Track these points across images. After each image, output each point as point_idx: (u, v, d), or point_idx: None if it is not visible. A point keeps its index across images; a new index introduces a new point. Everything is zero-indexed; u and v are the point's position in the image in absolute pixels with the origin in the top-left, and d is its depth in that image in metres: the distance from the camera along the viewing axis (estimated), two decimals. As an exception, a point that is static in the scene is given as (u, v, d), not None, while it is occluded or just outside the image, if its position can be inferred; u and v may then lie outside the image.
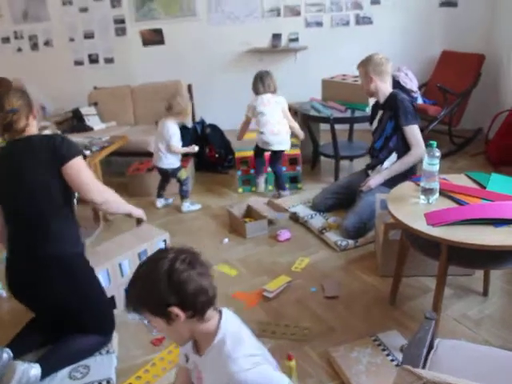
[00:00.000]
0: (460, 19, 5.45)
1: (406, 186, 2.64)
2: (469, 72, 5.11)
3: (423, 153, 2.71)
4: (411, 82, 5.02)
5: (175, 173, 4.17)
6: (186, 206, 4.20)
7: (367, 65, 3.41)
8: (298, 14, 5.80)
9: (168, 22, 6.11)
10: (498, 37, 5.23)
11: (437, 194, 2.37)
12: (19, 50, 6.75)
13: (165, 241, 3.13)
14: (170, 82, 5.43)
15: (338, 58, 5.50)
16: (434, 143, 2.31)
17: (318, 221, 3.70)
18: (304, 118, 4.59)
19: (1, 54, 6.74)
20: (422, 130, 5.27)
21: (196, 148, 4.23)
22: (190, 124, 5.28)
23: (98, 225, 4.00)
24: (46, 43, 6.65)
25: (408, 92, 4.98)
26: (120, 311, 2.85)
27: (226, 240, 3.65)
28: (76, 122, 5.48)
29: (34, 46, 6.71)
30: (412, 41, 5.63)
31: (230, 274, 3.24)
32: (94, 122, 5.49)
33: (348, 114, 4.36)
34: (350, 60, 5.37)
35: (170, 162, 4.14)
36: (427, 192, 2.36)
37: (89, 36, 6.46)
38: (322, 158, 4.87)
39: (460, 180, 2.66)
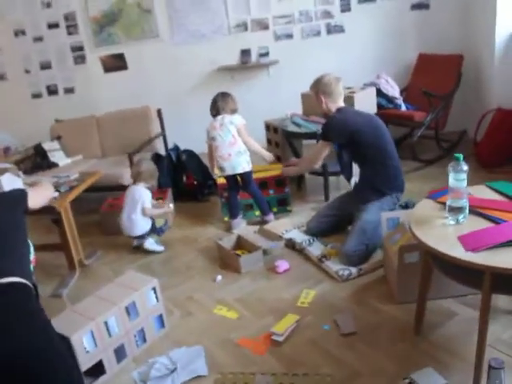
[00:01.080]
0: (433, 21, 5.29)
1: (426, 205, 2.36)
2: (449, 73, 4.92)
3: (312, 167, 3.65)
4: (393, 89, 4.80)
5: (149, 233, 3.86)
6: (150, 242, 3.85)
7: (316, 86, 3.38)
8: (266, 27, 5.54)
9: (129, 45, 5.79)
10: (473, 35, 5.08)
11: (466, 213, 2.09)
12: (-30, 86, 6.30)
13: (154, 289, 2.76)
14: (138, 108, 5.10)
15: (313, 70, 5.10)
16: (461, 156, 2.04)
17: (316, 248, 3.39)
18: (286, 134, 4.30)
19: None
20: (405, 138, 5.19)
21: (171, 206, 4.04)
22: (163, 151, 4.94)
23: (73, 272, 3.60)
24: (0, 77, 6.22)
25: (391, 99, 4.77)
26: (110, 376, 2.48)
27: (219, 277, 3.31)
28: (39, 159, 5.06)
29: (-14, 82, 6.26)
30: (386, 46, 5.44)
31: (231, 317, 2.90)
32: (58, 157, 5.09)
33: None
34: (326, 71, 5.21)
35: (143, 226, 3.81)
36: (455, 211, 2.08)
37: (46, 66, 6.08)
38: (308, 175, 4.58)
39: (483, 192, 2.39)
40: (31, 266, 2.36)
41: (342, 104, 3.39)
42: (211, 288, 3.22)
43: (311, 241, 3.48)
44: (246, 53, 5.61)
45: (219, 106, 3.83)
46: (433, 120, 4.65)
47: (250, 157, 3.89)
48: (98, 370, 2.46)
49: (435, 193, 2.41)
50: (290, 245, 3.54)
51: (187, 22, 5.60)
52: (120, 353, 2.59)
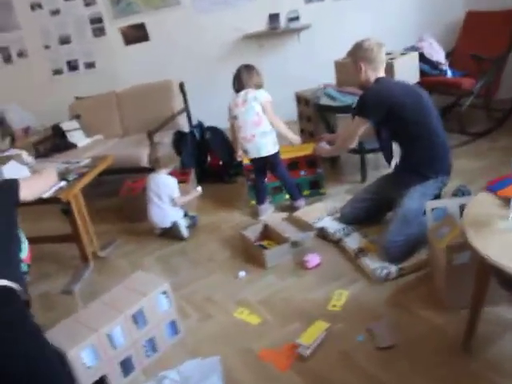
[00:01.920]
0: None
1: (484, 200, 1.94)
2: (501, 33, 4.35)
3: (346, 146, 3.14)
4: (437, 53, 4.28)
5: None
6: (182, 224, 3.57)
7: (356, 52, 2.92)
8: (295, -12, 5.05)
9: (150, 15, 5.40)
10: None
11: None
12: (-8, 64, 6.07)
13: (165, 292, 2.46)
14: (160, 83, 4.75)
15: (348, 35, 4.62)
16: None
17: (353, 239, 3.01)
18: (318, 108, 3.88)
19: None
20: (451, 108, 4.67)
21: (199, 189, 3.75)
22: (187, 129, 4.60)
23: (86, 265, 3.34)
24: (20, 54, 5.96)
25: (435, 65, 4.25)
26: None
27: (243, 273, 2.98)
28: (58, 139, 4.81)
29: (8, 59, 6.02)
30: (429, 4, 4.88)
31: (252, 322, 2.58)
32: (77, 137, 4.83)
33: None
34: (363, 35, 4.69)
35: (174, 216, 3.55)
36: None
37: (65, 41, 5.76)
38: (344, 153, 4.15)
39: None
40: (24, 265, 2.11)
41: (382, 74, 2.94)
42: (233, 286, 2.91)
43: (347, 231, 3.10)
44: (274, 17, 5.14)
45: (243, 79, 3.44)
46: (483, 87, 4.13)
47: (278, 137, 3.50)
48: (103, 384, 2.21)
49: (495, 183, 1.99)
50: (322, 235, 3.17)
51: (209, -13, 5.16)
52: (127, 365, 2.32)
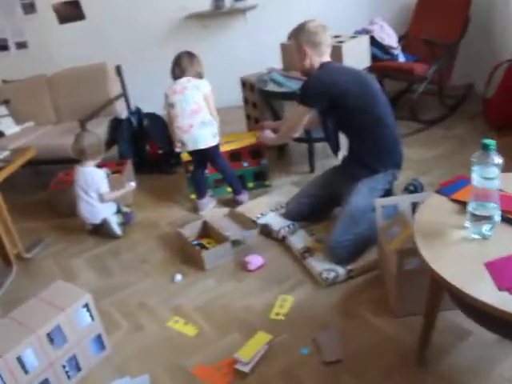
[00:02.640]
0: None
1: (436, 204, 1.74)
2: (455, 18, 4.20)
3: (291, 135, 2.94)
4: (389, 37, 4.09)
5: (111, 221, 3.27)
6: (113, 221, 3.28)
7: (299, 35, 2.65)
8: (241, -36, 4.75)
9: (84, -10, 4.99)
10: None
11: (494, 222, 1.48)
12: None
13: (87, 305, 2.17)
14: (94, 66, 4.37)
15: (296, 15, 4.37)
16: (492, 143, 1.41)
17: (299, 238, 2.80)
18: (263, 94, 3.63)
19: None
20: (402, 94, 4.50)
21: (133, 184, 3.40)
22: (123, 115, 4.26)
23: (9, 270, 3.01)
24: None
25: (387, 49, 4.06)
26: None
27: (179, 277, 2.72)
28: (-17, 127, 4.38)
29: None
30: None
31: (187, 333, 2.33)
32: (6, 125, 4.41)
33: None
34: (312, 16, 4.46)
35: (105, 212, 3.24)
36: (479, 220, 1.47)
37: (-8, 18, 5.27)
38: (292, 142, 3.92)
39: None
40: None
41: (327, 59, 2.71)
42: (168, 291, 2.64)
43: (292, 228, 2.88)
44: (219, -4, 4.84)
45: (183, 66, 3.14)
46: (436, 73, 3.96)
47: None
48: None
49: (448, 185, 1.79)
50: (266, 232, 2.94)
51: (149, -39, 4.80)
52: None
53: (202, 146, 3.12)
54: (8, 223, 3.05)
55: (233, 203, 3.33)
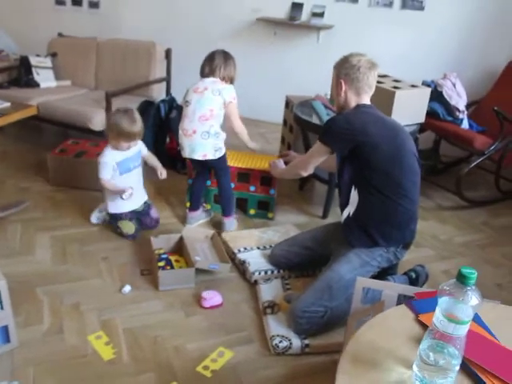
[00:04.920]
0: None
1: (395, 318, 1.35)
2: (540, 96, 3.70)
3: (297, 173, 2.57)
4: (458, 97, 3.64)
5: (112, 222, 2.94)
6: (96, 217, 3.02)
7: (340, 66, 2.31)
8: (328, -19, 4.44)
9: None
10: None
11: (452, 376, 1.09)
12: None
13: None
14: (143, 43, 4.19)
15: (372, 47, 4.12)
16: (473, 274, 1.02)
17: (271, 288, 2.44)
18: (296, 119, 3.28)
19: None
20: (462, 161, 4.03)
21: (129, 192, 2.74)
22: (157, 99, 4.04)
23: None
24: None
25: (451, 110, 3.62)
26: None
27: (128, 288, 2.43)
28: (23, 73, 4.29)
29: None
30: (472, 40, 4.22)
31: (103, 355, 2.03)
32: (44, 76, 4.32)
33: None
34: (387, 54, 4.14)
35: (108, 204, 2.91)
36: (430, 371, 1.08)
37: (73, -30, 5.24)
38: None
39: (506, 322, 1.36)
40: None
41: (366, 101, 2.34)
42: (110, 300, 2.36)
43: (270, 274, 2.53)
44: (297, 7, 4.54)
45: (215, 65, 2.83)
46: (498, 151, 3.48)
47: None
48: None
49: (426, 297, 1.40)
50: (242, 270, 2.61)
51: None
52: None
53: (198, 156, 2.82)
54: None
55: (217, 225, 3.02)
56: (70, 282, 2.46)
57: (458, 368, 1.08)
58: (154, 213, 2.99)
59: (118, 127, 2.66)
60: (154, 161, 3.01)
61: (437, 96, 3.61)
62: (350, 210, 2.34)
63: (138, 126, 2.72)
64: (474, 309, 1.03)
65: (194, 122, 2.78)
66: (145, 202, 2.99)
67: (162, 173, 2.97)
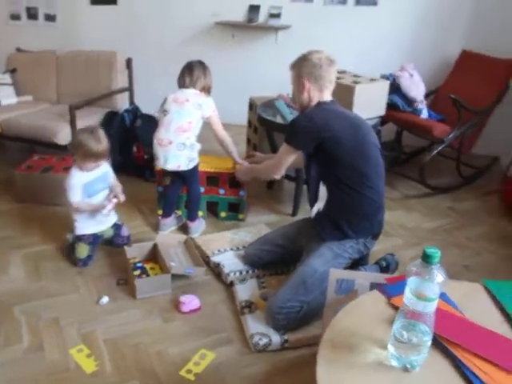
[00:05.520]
0: (495, 14, 4.13)
1: (369, 304, 1.42)
2: (494, 82, 3.84)
3: (269, 175, 2.70)
4: (416, 88, 3.75)
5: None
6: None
7: (300, 66, 2.37)
8: (283, -18, 4.51)
9: (123, -25, 4.84)
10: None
11: (424, 353, 1.16)
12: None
13: None
14: (104, 53, 4.17)
15: (329, 44, 4.13)
16: (436, 254, 1.10)
17: (247, 287, 2.48)
18: (259, 120, 3.34)
19: None
20: (423, 150, 4.13)
21: (110, 205, 2.68)
22: (121, 109, 4.04)
23: None
24: (-22, -11, 5.37)
25: (410, 101, 3.73)
26: None
27: (105, 300, 2.44)
28: (-19, 91, 4.24)
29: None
30: (426, 32, 4.34)
31: (85, 368, 2.04)
32: (5, 93, 4.26)
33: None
34: (345, 50, 4.22)
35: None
36: (405, 348, 1.14)
37: (27, -16, 5.18)
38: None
39: (472, 299, 1.43)
40: None
41: (328, 97, 2.40)
42: (88, 312, 2.37)
43: (245, 274, 2.57)
44: (254, 9, 4.60)
45: (198, 77, 2.88)
46: (457, 138, 3.60)
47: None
48: None
49: (397, 282, 1.46)
50: (217, 272, 2.65)
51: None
52: None
53: (172, 167, 2.85)
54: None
55: (182, 228, 3.09)
56: (46, 298, 2.46)
57: (429, 343, 1.15)
58: (124, 231, 2.89)
59: (85, 148, 2.55)
60: (118, 186, 2.82)
61: (395, 88, 3.71)
62: (319, 205, 2.40)
63: (104, 144, 2.61)
64: (440, 286, 1.10)
65: (170, 133, 2.81)
66: (114, 224, 2.87)
67: (121, 198, 2.73)
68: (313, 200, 2.48)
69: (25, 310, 2.36)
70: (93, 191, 2.68)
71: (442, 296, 1.34)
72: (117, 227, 2.86)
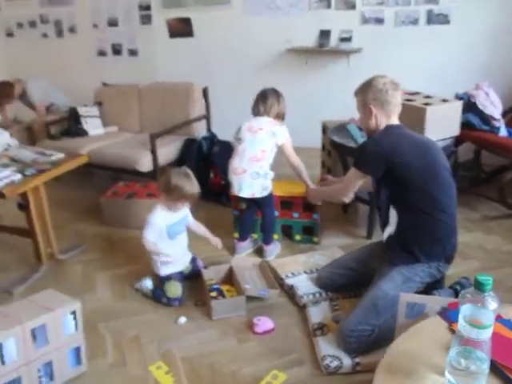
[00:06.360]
0: None
1: (429, 330, 1.42)
2: None
3: (338, 199, 2.70)
4: (492, 106, 3.65)
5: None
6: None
7: (366, 92, 2.37)
8: (352, 6, 4.56)
9: (197, 10, 5.12)
10: None
11: (482, 380, 1.15)
12: (45, 35, 6.04)
13: (74, 313, 2.12)
14: (181, 84, 4.41)
15: (402, 66, 4.25)
16: (487, 281, 1.11)
17: (320, 310, 2.51)
18: (331, 143, 3.39)
19: (28, 39, 6.11)
20: (505, 169, 3.97)
21: (219, 244, 2.88)
22: (199, 136, 4.22)
23: (38, 267, 3.06)
24: (71, 29, 5.87)
25: (487, 119, 3.63)
26: None
27: (183, 319, 2.56)
28: (73, 123, 4.59)
29: (60, 32, 5.94)
30: (500, 49, 4.24)
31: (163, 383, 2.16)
32: (92, 125, 4.60)
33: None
34: (417, 70, 4.20)
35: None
36: (462, 375, 1.15)
37: (113, 23, 5.60)
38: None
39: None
40: None
41: (395, 120, 2.41)
42: (167, 331, 2.50)
43: (318, 296, 2.61)
44: (325, 34, 4.68)
45: (271, 104, 2.97)
46: (539, 156, 3.46)
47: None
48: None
49: (457, 308, 1.45)
50: (291, 294, 2.70)
51: (262, -10, 4.78)
52: None
53: (245, 194, 2.96)
54: (47, 223, 3.09)
55: (258, 251, 3.17)
56: (129, 316, 2.62)
57: (487, 371, 1.14)
58: (200, 263, 2.93)
59: (181, 190, 2.60)
60: (202, 229, 2.90)
61: (471, 107, 3.63)
62: (390, 229, 2.40)
63: (197, 187, 2.67)
64: (493, 313, 1.10)
65: (244, 162, 2.92)
66: (191, 261, 2.92)
67: (218, 244, 2.88)
68: (384, 224, 2.48)
69: (109, 327, 2.53)
70: (174, 233, 2.74)
71: (505, 322, 1.32)
72: (193, 260, 2.93)
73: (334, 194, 2.73)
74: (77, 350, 2.17)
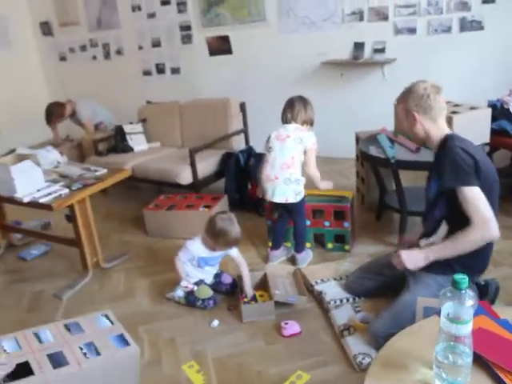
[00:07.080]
0: None
1: (427, 328, 1.50)
2: None
3: (489, 229, 2.07)
4: (527, 112, 3.63)
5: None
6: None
7: (407, 99, 2.28)
8: (385, 17, 4.63)
9: (235, 28, 5.31)
10: None
11: (467, 372, 1.23)
12: (94, 58, 6.41)
13: (106, 315, 2.30)
14: (219, 100, 4.59)
15: (437, 74, 4.25)
16: (463, 280, 1.19)
17: (344, 312, 2.60)
18: (361, 154, 3.47)
19: (79, 62, 6.50)
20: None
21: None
22: (237, 149, 4.39)
23: (84, 274, 3.28)
24: (118, 52, 6.21)
25: (520, 126, 3.60)
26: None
27: (216, 323, 2.71)
28: (119, 140, 4.86)
29: (107, 55, 6.30)
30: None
31: (195, 382, 2.30)
32: (137, 141, 4.85)
33: (420, 157, 3.10)
34: (450, 78, 4.22)
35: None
36: (447, 368, 1.23)
37: (156, 44, 5.89)
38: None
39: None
40: None
41: (443, 124, 2.31)
42: (201, 333, 2.65)
43: (344, 301, 2.68)
44: (358, 46, 4.76)
45: (298, 111, 3.07)
46: None
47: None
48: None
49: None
50: (319, 300, 2.79)
51: (297, 7, 4.92)
52: (57, 359, 2.07)
53: (279, 200, 3.05)
54: (93, 234, 3.31)
55: (291, 259, 3.27)
56: (166, 320, 2.78)
57: (470, 363, 1.21)
58: (226, 279, 2.98)
59: (227, 235, 2.74)
60: (246, 276, 2.88)
61: (504, 113, 3.62)
62: (430, 240, 2.35)
63: (240, 231, 2.81)
64: (471, 308, 1.18)
65: (276, 169, 3.03)
66: (215, 276, 3.01)
67: (248, 294, 2.83)
68: (427, 234, 2.41)
69: (147, 329, 2.69)
70: (205, 264, 2.90)
71: (503, 323, 1.39)
72: (217, 275, 3.01)
73: (471, 240, 2.14)
74: (120, 336, 2.19)
